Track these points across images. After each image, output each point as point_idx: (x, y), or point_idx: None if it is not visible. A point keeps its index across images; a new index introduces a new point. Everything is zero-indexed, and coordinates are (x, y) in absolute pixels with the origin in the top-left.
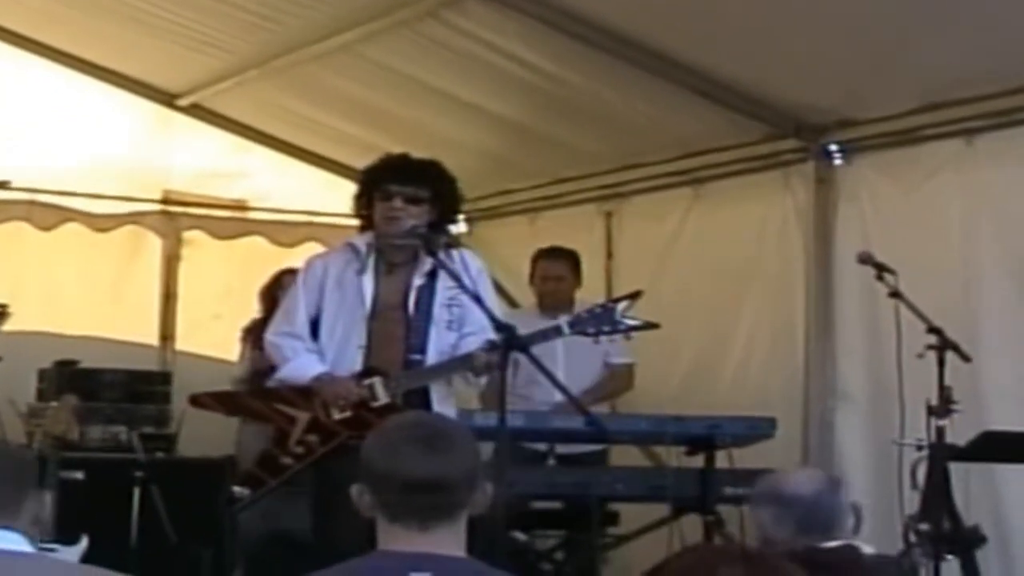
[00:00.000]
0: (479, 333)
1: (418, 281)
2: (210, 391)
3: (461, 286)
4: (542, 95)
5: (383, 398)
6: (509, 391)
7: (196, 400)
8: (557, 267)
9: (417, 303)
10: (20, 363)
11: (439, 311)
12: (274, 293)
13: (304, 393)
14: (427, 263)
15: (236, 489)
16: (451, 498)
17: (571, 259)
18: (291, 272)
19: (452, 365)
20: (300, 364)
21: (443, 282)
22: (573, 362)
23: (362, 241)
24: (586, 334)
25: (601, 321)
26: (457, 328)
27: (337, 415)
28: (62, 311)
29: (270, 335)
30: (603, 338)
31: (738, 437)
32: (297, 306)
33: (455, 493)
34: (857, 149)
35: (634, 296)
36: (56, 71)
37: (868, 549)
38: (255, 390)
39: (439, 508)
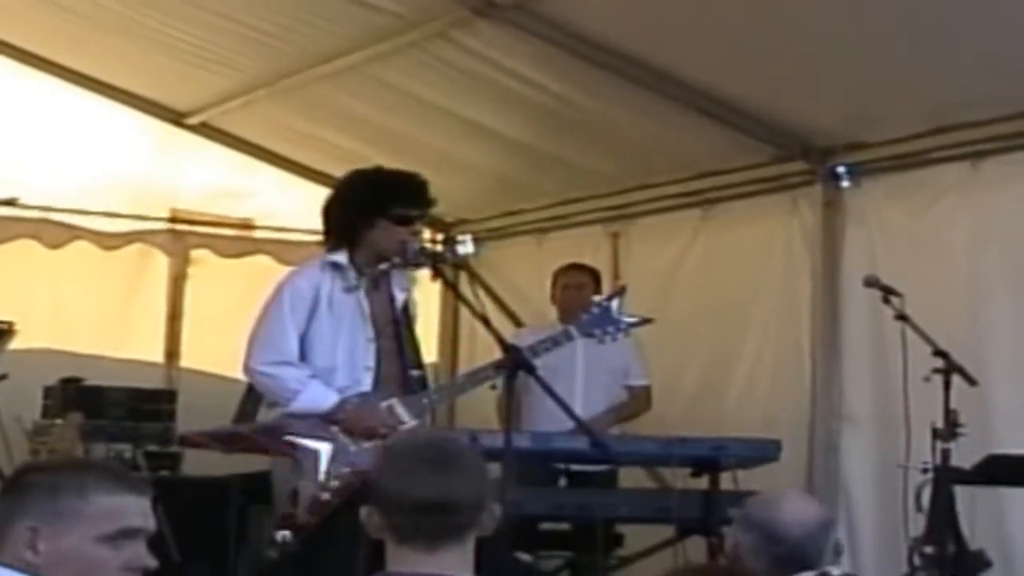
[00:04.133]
0: None
1: (400, 295)
2: (204, 430)
3: (472, 310)
4: (550, 116)
5: (409, 421)
6: (518, 401)
7: (187, 440)
8: (579, 276)
9: (406, 317)
10: (27, 380)
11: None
12: None
13: (319, 423)
14: (403, 278)
15: (279, 534)
16: (459, 519)
17: (593, 274)
18: None
19: (473, 381)
20: (313, 395)
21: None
22: (592, 381)
23: (341, 258)
24: (592, 335)
25: (603, 322)
26: None
27: (365, 444)
28: (69, 329)
29: (259, 367)
30: (623, 359)
31: (743, 459)
32: (285, 330)
33: (464, 515)
34: (865, 172)
35: (620, 292)
36: (65, 89)
37: (836, 572)
38: (257, 426)
39: (447, 529)
